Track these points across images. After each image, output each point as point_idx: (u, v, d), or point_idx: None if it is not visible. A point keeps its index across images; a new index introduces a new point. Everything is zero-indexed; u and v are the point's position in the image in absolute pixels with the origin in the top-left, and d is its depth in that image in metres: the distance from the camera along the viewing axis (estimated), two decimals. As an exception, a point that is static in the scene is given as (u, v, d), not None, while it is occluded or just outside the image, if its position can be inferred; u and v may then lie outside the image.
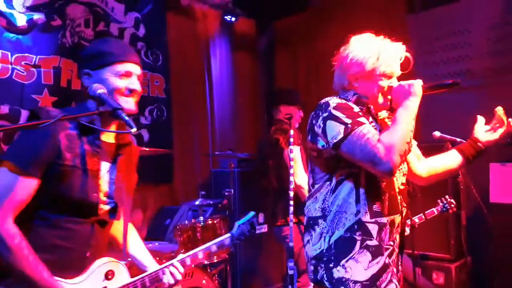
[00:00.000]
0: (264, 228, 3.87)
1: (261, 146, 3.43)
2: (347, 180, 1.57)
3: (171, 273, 1.74)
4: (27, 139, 1.40)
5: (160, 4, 4.32)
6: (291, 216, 2.46)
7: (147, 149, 3.06)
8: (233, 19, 4.96)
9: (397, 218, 1.62)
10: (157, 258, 2.79)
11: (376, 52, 1.60)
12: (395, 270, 1.61)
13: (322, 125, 1.55)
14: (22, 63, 3.32)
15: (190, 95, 4.57)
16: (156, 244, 3.16)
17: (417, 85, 1.56)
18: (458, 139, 3.05)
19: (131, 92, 1.55)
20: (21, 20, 3.34)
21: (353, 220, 1.56)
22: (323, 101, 1.61)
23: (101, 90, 1.44)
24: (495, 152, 3.44)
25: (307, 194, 2.65)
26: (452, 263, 3.25)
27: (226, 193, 3.39)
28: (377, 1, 4.33)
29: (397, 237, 1.64)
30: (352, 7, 4.42)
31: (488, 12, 3.71)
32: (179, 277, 1.74)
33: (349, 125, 1.49)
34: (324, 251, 1.58)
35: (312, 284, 1.69)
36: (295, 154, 2.80)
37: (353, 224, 1.55)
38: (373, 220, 1.56)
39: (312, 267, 1.63)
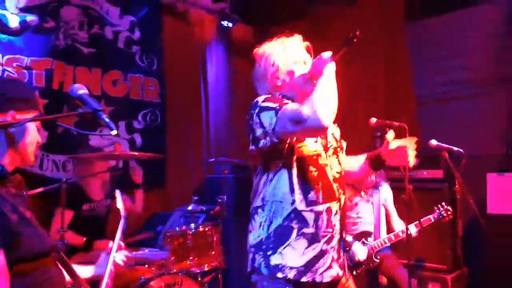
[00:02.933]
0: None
1: None
2: (282, 171, 1.66)
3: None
4: None
5: (156, 8, 4.29)
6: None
7: (136, 153, 3.00)
8: (230, 24, 4.93)
9: (334, 205, 1.68)
10: (146, 266, 2.75)
11: (281, 47, 1.77)
12: (335, 256, 1.66)
13: (258, 121, 1.64)
14: (14, 64, 3.27)
15: (185, 100, 4.51)
16: (146, 251, 3.09)
17: (324, 54, 1.65)
18: (455, 148, 3.02)
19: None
20: (13, 21, 3.30)
21: (289, 209, 1.63)
22: (253, 102, 1.71)
23: (82, 90, 1.38)
24: (492, 162, 3.41)
25: None
26: (449, 274, 3.20)
27: (219, 200, 3.32)
28: (376, 9, 4.31)
29: (337, 223, 1.68)
30: (350, 15, 4.41)
31: (487, 21, 3.69)
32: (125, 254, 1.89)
33: (277, 108, 1.60)
34: (263, 239, 1.65)
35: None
36: None
37: (290, 213, 1.62)
38: (308, 208, 1.63)
39: (250, 255, 1.70)
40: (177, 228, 2.96)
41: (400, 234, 2.98)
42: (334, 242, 1.66)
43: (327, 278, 1.61)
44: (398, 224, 3.15)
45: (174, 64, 4.41)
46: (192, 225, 2.96)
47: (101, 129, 3.52)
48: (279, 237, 1.62)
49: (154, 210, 4.04)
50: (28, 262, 1.37)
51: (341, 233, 1.70)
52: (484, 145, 3.52)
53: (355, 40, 1.61)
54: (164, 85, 4.30)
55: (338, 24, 4.48)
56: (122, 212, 2.09)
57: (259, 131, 1.64)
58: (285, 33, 1.81)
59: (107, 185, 3.16)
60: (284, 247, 1.60)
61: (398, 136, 2.78)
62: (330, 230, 1.65)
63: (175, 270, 2.75)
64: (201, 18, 4.72)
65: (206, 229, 2.94)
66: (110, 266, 1.77)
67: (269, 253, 1.62)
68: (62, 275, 1.54)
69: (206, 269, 2.89)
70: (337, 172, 1.73)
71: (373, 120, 2.64)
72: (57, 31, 3.54)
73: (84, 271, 1.78)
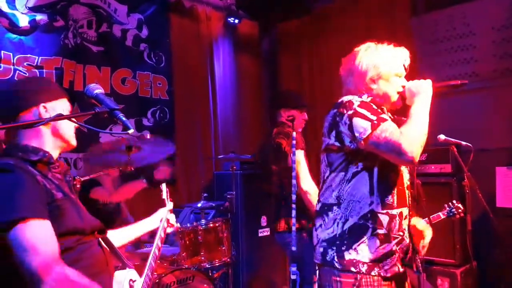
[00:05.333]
0: (267, 231, 3.86)
1: (263, 150, 3.34)
2: (362, 173, 1.71)
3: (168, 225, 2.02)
4: (21, 189, 1.35)
5: (163, 5, 4.32)
6: (294, 220, 2.43)
7: (148, 136, 3.00)
8: (236, 21, 4.95)
9: (405, 210, 1.76)
10: (159, 261, 2.79)
11: (390, 55, 1.79)
12: (402, 256, 1.74)
13: (348, 122, 1.67)
14: (24, 64, 3.32)
15: (193, 97, 4.55)
16: (158, 247, 3.12)
17: (428, 83, 1.74)
18: (464, 142, 3.02)
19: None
20: (23, 21, 3.34)
21: (367, 209, 1.70)
22: (345, 99, 1.73)
23: (98, 90, 1.41)
24: (501, 156, 3.41)
25: (313, 200, 2.62)
26: (458, 269, 3.20)
27: (228, 196, 3.35)
28: (381, 4, 4.30)
29: (406, 228, 1.77)
30: (356, 10, 4.40)
31: (493, 14, 3.67)
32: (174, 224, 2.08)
33: (375, 122, 1.63)
34: (337, 235, 1.72)
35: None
36: (300, 158, 2.75)
37: (367, 213, 1.69)
38: (384, 211, 1.70)
39: (321, 249, 1.76)
40: (188, 224, 2.99)
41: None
42: (404, 244, 1.75)
43: (389, 273, 1.71)
44: None
45: (182, 61, 4.45)
46: (203, 221, 2.99)
47: (111, 126, 3.56)
48: (354, 235, 1.69)
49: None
50: (70, 236, 1.44)
51: (410, 237, 1.79)
52: (492, 138, 3.51)
53: (460, 86, 1.75)
54: (172, 82, 4.34)
55: (343, 19, 4.48)
56: (167, 204, 2.17)
57: (347, 133, 1.69)
58: (395, 42, 1.83)
59: (116, 184, 3.20)
60: (359, 244, 1.69)
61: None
62: (401, 233, 1.74)
63: (186, 266, 2.79)
64: (208, 15, 4.74)
65: (217, 224, 2.97)
66: (154, 250, 1.84)
67: (343, 248, 1.70)
68: (104, 254, 1.59)
69: (216, 264, 2.92)
70: (408, 180, 1.81)
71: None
72: (66, 30, 3.58)
73: (144, 226, 1.97)
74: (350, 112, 1.67)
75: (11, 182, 1.35)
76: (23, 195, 1.34)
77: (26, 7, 3.36)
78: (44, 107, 1.54)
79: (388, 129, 1.61)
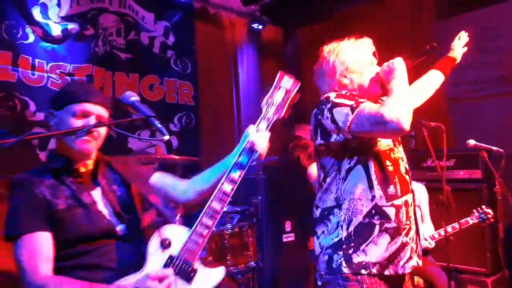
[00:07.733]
0: (291, 237, 3.85)
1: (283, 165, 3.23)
2: (357, 167, 1.63)
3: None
4: (15, 208, 1.45)
5: (189, 13, 4.40)
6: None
7: (177, 157, 3.08)
8: (260, 27, 4.99)
9: (409, 197, 1.69)
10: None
11: (351, 47, 1.79)
12: (414, 247, 1.66)
13: (329, 115, 1.62)
14: (57, 71, 3.43)
15: (218, 102, 4.60)
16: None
17: (397, 60, 1.68)
18: (494, 148, 2.96)
19: (87, 133, 1.51)
20: (56, 30, 3.46)
21: (370, 205, 1.60)
22: (322, 97, 1.70)
23: (134, 97, 1.45)
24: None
25: None
26: (489, 277, 3.12)
27: (254, 200, 3.37)
28: (405, 7, 4.26)
29: (412, 215, 1.69)
30: (379, 14, 4.37)
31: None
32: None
33: (353, 105, 1.58)
34: (343, 239, 1.61)
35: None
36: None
37: (370, 210, 1.60)
38: (389, 203, 1.61)
39: (326, 257, 1.64)
40: (214, 229, 3.02)
41: (436, 236, 2.93)
42: (412, 233, 1.66)
43: (408, 269, 1.62)
44: (428, 229, 3.05)
45: (207, 67, 4.51)
46: (229, 226, 3.01)
47: (139, 132, 3.64)
48: (361, 235, 1.59)
49: (189, 211, 4.12)
50: (78, 243, 1.44)
51: (416, 224, 1.70)
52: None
53: (431, 50, 1.74)
54: (197, 88, 4.40)
55: (366, 24, 4.45)
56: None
57: (330, 127, 1.63)
58: (356, 35, 1.82)
59: None
60: (367, 244, 1.58)
61: (434, 136, 2.74)
62: (408, 222, 1.65)
63: (213, 270, 2.80)
64: (232, 21, 4.80)
65: (243, 229, 2.99)
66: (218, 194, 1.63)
67: (350, 251, 1.59)
68: (127, 254, 1.52)
69: (242, 269, 2.94)
70: (405, 168, 1.74)
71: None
72: (96, 38, 3.69)
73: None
74: (328, 105, 1.63)
75: (10, 200, 1.45)
76: (16, 213, 1.43)
77: (58, 16, 3.48)
78: (52, 113, 1.60)
79: (367, 106, 1.56)
